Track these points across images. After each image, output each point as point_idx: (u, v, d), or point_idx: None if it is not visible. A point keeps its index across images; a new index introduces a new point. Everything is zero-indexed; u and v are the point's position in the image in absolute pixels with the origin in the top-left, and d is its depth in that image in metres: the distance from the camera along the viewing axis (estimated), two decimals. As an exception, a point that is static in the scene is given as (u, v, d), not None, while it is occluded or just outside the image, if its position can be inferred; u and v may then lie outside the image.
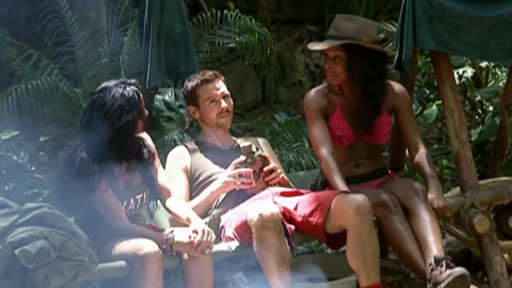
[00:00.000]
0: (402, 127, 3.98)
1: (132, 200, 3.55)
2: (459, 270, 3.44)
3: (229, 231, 3.62)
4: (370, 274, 3.49)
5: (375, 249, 3.50)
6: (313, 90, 4.01)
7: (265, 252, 3.44)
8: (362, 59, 3.84)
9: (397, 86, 4.02)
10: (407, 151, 4.06)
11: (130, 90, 3.45)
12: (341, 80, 3.89)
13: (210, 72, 3.93)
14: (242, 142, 3.93)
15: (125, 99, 3.43)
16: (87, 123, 3.45)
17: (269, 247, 3.43)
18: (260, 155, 3.75)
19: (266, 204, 3.55)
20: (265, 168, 3.77)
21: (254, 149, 3.74)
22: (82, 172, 3.37)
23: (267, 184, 3.80)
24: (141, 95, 3.50)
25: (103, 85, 3.51)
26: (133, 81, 3.51)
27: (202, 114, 3.91)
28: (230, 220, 3.65)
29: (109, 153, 3.41)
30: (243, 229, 3.52)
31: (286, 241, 3.50)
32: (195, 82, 3.89)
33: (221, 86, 3.90)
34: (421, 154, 3.89)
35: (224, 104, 3.88)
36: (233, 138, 4.06)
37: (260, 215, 3.43)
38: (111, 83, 3.49)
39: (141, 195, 3.58)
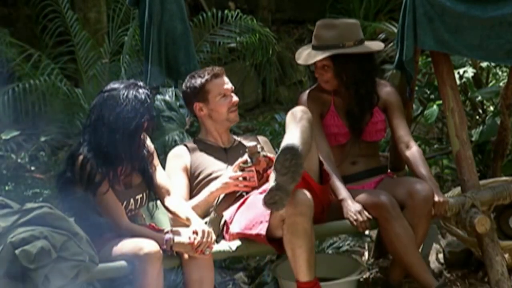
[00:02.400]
0: (392, 124, 4.02)
1: (132, 200, 3.55)
2: None
3: (237, 227, 3.58)
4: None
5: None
6: (306, 92, 4.06)
7: (297, 239, 3.41)
8: (348, 65, 3.90)
9: (386, 85, 4.09)
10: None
11: (142, 92, 3.44)
12: (334, 86, 3.96)
13: (217, 68, 3.93)
14: (248, 142, 3.93)
15: (139, 101, 3.41)
16: (95, 122, 3.44)
17: (303, 234, 3.39)
18: (265, 156, 3.73)
19: (300, 191, 3.46)
20: (269, 170, 3.75)
21: (259, 149, 3.73)
22: (84, 171, 3.37)
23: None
24: (151, 98, 3.50)
25: (112, 85, 3.48)
26: (143, 83, 3.51)
27: (211, 109, 3.88)
28: (241, 213, 3.60)
29: (114, 153, 3.41)
30: (259, 221, 3.47)
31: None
32: (204, 78, 3.86)
33: (228, 81, 3.91)
34: (414, 152, 3.90)
35: (235, 98, 3.89)
36: (234, 136, 4.06)
37: (297, 200, 3.38)
38: (122, 84, 3.47)
39: (140, 195, 3.58)
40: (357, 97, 3.94)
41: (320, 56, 3.88)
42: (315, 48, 3.94)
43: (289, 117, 3.59)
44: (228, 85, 3.89)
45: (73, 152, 3.47)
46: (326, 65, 3.91)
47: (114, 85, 3.48)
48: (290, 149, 3.33)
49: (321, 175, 3.69)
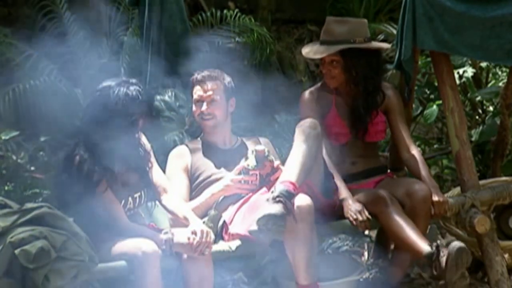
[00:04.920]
0: (393, 127, 4.05)
1: (130, 199, 3.55)
2: (453, 246, 3.50)
3: (238, 228, 3.57)
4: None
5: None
6: (307, 91, 4.07)
7: (298, 244, 3.44)
8: (359, 60, 3.92)
9: (388, 87, 4.11)
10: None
11: (133, 89, 3.45)
12: (340, 82, 3.96)
13: (204, 73, 3.90)
14: (252, 143, 3.95)
15: (130, 98, 3.42)
16: (89, 121, 3.44)
17: (303, 239, 3.43)
18: (271, 161, 3.71)
19: (300, 196, 3.50)
20: (272, 176, 3.74)
21: (267, 153, 3.72)
22: (82, 171, 3.37)
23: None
24: (143, 95, 3.50)
25: (104, 83, 3.49)
26: (135, 80, 3.51)
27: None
28: (242, 214, 3.61)
29: (110, 152, 3.41)
30: None
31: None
32: (191, 81, 3.91)
33: (210, 89, 3.86)
34: (415, 155, 3.93)
35: (204, 107, 3.86)
36: (235, 137, 4.05)
37: (298, 207, 3.41)
38: (113, 82, 3.48)
39: (139, 194, 3.58)
40: (365, 93, 3.96)
41: (332, 50, 3.89)
42: (324, 43, 3.95)
43: (297, 132, 3.64)
44: (206, 93, 3.85)
45: (69, 153, 3.46)
46: (335, 60, 3.92)
47: (106, 83, 3.48)
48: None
49: (329, 188, 3.72)
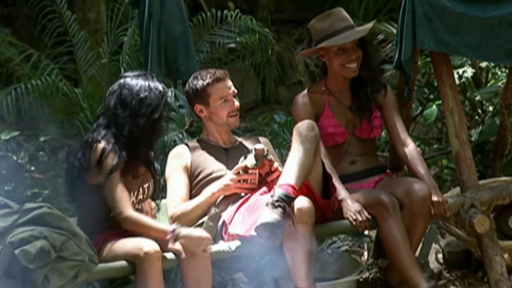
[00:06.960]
0: (388, 123, 4.03)
1: (141, 189, 3.58)
2: None
3: (237, 228, 3.57)
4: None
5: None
6: (300, 95, 4.06)
7: (297, 247, 3.44)
8: (369, 40, 4.02)
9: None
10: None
11: (161, 86, 3.53)
12: (359, 65, 3.95)
13: (221, 71, 3.90)
14: (250, 143, 3.95)
15: (160, 93, 3.51)
16: (116, 106, 3.45)
17: (303, 242, 3.43)
18: (270, 160, 3.71)
19: (300, 198, 3.50)
20: (269, 177, 3.73)
21: (266, 152, 3.72)
22: (105, 159, 3.37)
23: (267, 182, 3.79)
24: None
25: (130, 73, 3.55)
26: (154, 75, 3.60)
27: (211, 113, 3.87)
28: (241, 215, 3.61)
29: (135, 139, 3.43)
30: None
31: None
32: (206, 81, 3.83)
33: (231, 85, 3.89)
34: (411, 151, 3.91)
35: (236, 103, 3.88)
36: (235, 137, 4.05)
37: (299, 209, 3.42)
38: (137, 73, 3.54)
39: (147, 184, 3.61)
40: (373, 74, 3.98)
41: (366, 28, 3.94)
42: (346, 29, 3.93)
43: (294, 134, 3.64)
44: (230, 89, 3.87)
45: (89, 139, 3.46)
46: (357, 43, 3.92)
47: (132, 73, 3.55)
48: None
49: (328, 189, 3.71)
